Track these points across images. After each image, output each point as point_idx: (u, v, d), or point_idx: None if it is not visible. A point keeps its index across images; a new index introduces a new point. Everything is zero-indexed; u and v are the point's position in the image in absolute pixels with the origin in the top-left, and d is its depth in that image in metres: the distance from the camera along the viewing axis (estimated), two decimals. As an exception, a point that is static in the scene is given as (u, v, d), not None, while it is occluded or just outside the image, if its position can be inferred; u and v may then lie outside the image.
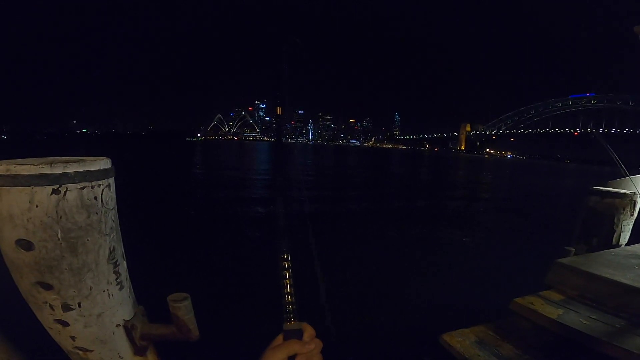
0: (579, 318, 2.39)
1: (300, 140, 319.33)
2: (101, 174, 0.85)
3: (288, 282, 0.65)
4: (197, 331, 1.02)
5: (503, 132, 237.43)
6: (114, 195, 0.91)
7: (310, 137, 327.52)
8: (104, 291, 0.88)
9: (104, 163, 0.87)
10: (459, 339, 2.53)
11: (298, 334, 0.62)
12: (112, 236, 0.89)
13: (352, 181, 24.39)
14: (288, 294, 0.64)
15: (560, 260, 3.13)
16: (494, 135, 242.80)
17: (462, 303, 4.45)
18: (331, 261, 6.54)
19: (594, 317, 2.39)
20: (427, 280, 5.74)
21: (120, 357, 0.96)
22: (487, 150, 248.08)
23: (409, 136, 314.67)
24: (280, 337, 0.62)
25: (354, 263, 6.48)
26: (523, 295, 2.92)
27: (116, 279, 0.91)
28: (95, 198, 0.83)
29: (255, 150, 74.42)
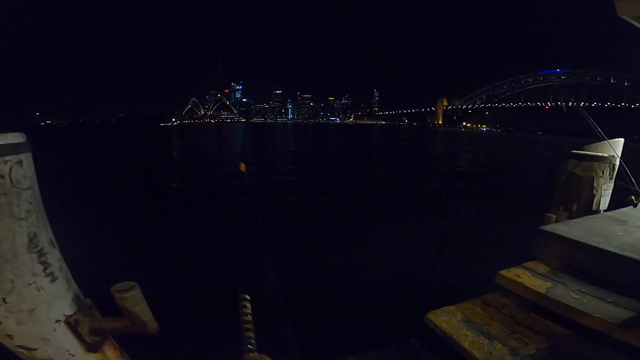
0: (568, 292, 2.29)
1: (279, 120, 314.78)
2: (9, 149, 0.72)
3: (247, 317, 0.69)
4: (154, 323, 0.96)
5: (478, 106, 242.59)
6: (29, 173, 0.78)
7: (290, 116, 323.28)
8: (30, 284, 0.77)
9: (13, 137, 0.75)
10: (445, 318, 2.39)
11: None
12: (30, 220, 0.76)
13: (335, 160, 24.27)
14: (248, 327, 0.68)
15: (543, 227, 3.04)
16: (470, 109, 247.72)
17: (448, 278, 4.40)
18: (307, 239, 6.39)
19: (584, 290, 2.29)
20: (409, 257, 5.68)
21: (70, 354, 0.86)
22: (464, 123, 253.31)
23: (388, 112, 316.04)
24: None
25: (333, 238, 6.37)
26: (508, 267, 2.82)
27: (44, 270, 0.79)
28: (2, 177, 0.71)
29: (232, 132, 72.95)
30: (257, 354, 0.66)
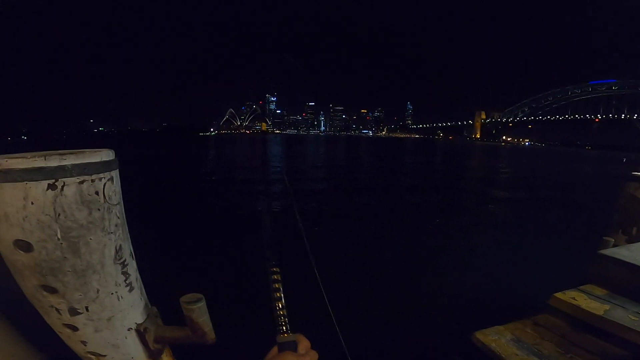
0: (626, 314, 2.20)
1: (312, 131, 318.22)
2: (102, 167, 0.76)
3: (279, 294, 0.63)
4: (212, 334, 0.95)
5: (520, 119, 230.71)
6: (118, 189, 0.83)
7: (322, 128, 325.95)
8: (112, 293, 0.81)
9: (106, 154, 0.78)
10: (494, 337, 2.37)
11: (292, 346, 0.60)
12: (117, 234, 0.81)
13: (363, 175, 24.14)
14: (279, 305, 0.63)
15: (601, 251, 2.91)
16: (510, 122, 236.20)
17: (495, 299, 4.25)
18: (352, 258, 6.41)
19: (644, 313, 2.19)
20: (452, 275, 5.52)
21: None
22: (504, 137, 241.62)
23: (422, 125, 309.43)
24: (274, 350, 0.60)
25: (376, 258, 6.32)
26: (562, 289, 2.73)
27: (125, 280, 0.84)
28: (97, 193, 0.74)
29: (267, 143, 74.61)
30: (291, 334, 0.61)
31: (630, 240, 3.48)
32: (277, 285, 0.65)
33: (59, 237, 0.69)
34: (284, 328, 0.62)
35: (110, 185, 0.79)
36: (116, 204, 0.81)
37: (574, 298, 2.49)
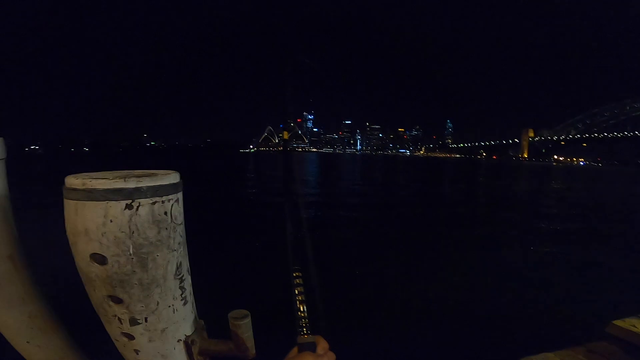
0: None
1: (348, 150, 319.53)
2: (171, 189, 0.80)
3: (300, 297, 0.66)
4: (254, 350, 0.94)
5: (573, 136, 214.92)
6: (182, 209, 0.85)
7: (358, 147, 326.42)
8: (169, 306, 0.83)
9: (174, 177, 0.82)
10: (542, 366, 2.17)
11: (312, 347, 0.62)
12: (179, 251, 0.84)
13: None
14: (301, 307, 0.65)
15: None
16: (562, 140, 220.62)
17: (545, 324, 3.91)
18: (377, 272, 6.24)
19: None
20: (506, 295, 5.27)
21: None
22: (555, 157, 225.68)
23: (463, 144, 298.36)
24: (294, 350, 0.63)
25: (420, 286, 6.11)
26: (620, 317, 2.51)
27: (181, 294, 0.86)
28: (165, 213, 0.79)
29: (303, 162, 76.12)
30: (311, 335, 0.62)
31: None
32: (299, 289, 0.67)
33: (131, 252, 0.76)
34: (305, 330, 0.64)
35: (176, 206, 0.83)
36: (180, 224, 0.83)
37: (634, 325, 2.28)
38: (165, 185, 0.79)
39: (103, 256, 0.75)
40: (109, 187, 0.72)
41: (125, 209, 0.74)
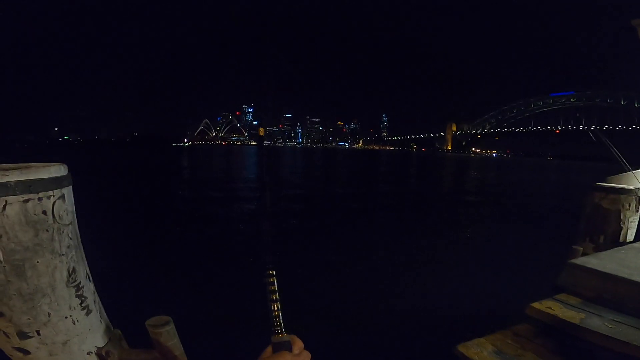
0: (602, 322, 2.27)
1: (288, 143, 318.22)
2: (52, 183, 0.68)
3: (274, 296, 0.64)
4: (184, 357, 0.93)
5: (488, 130, 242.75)
6: (70, 207, 0.76)
7: (299, 140, 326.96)
8: (66, 317, 0.76)
9: (56, 170, 0.70)
10: (476, 350, 2.36)
11: (287, 346, 0.61)
12: (70, 256, 0.74)
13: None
14: (275, 306, 0.63)
15: (572, 261, 3.02)
16: (479, 134, 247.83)
17: (473, 310, 4.31)
18: (330, 268, 6.35)
19: (618, 320, 2.27)
20: (432, 289, 5.56)
21: None
22: (473, 149, 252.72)
23: (397, 137, 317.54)
24: (269, 350, 0.61)
25: (353, 271, 6.30)
26: (536, 299, 2.80)
27: (81, 304, 0.79)
28: (45, 212, 0.67)
29: (242, 155, 73.98)
30: (285, 335, 0.62)
31: (598, 249, 3.66)
32: (272, 288, 0.65)
33: (1, 260, 0.62)
34: (279, 328, 0.62)
35: (61, 204, 0.71)
36: (68, 224, 0.74)
37: (550, 307, 2.55)
38: (42, 179, 0.67)
39: (-33, 265, 0.63)
40: None
41: (-13, 209, 0.64)
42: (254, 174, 26.93)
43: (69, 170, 0.76)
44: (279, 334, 0.62)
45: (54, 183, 0.69)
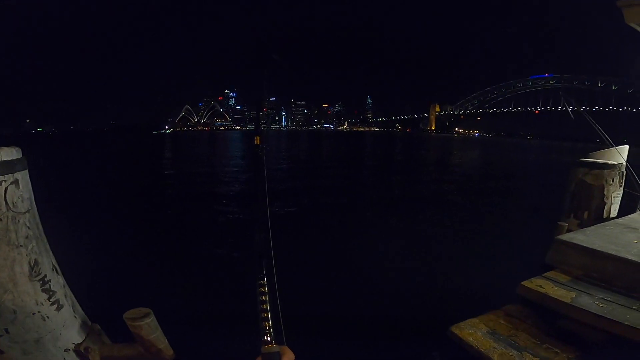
0: (593, 301, 2.29)
1: (273, 127, 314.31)
2: (3, 167, 0.66)
3: (265, 305, 0.63)
4: (169, 350, 0.91)
5: (470, 111, 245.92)
6: (26, 194, 0.72)
7: (284, 123, 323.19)
8: (34, 314, 0.74)
9: (7, 153, 0.67)
10: (470, 331, 2.36)
11: (276, 357, 0.59)
12: (30, 247, 0.72)
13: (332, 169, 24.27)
14: (266, 316, 0.62)
15: (560, 237, 3.05)
16: (461, 115, 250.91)
17: (465, 290, 4.36)
18: (320, 253, 6.33)
19: (608, 298, 2.29)
20: (421, 272, 5.60)
21: None
22: (456, 129, 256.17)
23: (382, 118, 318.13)
24: None
25: (345, 254, 6.30)
26: (526, 277, 2.82)
27: (49, 299, 0.77)
28: None
29: (227, 140, 72.68)
30: (275, 345, 0.60)
31: (583, 225, 3.72)
32: (263, 297, 0.64)
33: None
34: (270, 339, 0.60)
35: (15, 190, 0.67)
36: (24, 212, 0.69)
37: (540, 286, 2.57)
38: None
39: None
40: None
41: None
42: (240, 156, 26.54)
43: (23, 155, 0.72)
44: (269, 344, 0.60)
45: (5, 167, 0.66)
